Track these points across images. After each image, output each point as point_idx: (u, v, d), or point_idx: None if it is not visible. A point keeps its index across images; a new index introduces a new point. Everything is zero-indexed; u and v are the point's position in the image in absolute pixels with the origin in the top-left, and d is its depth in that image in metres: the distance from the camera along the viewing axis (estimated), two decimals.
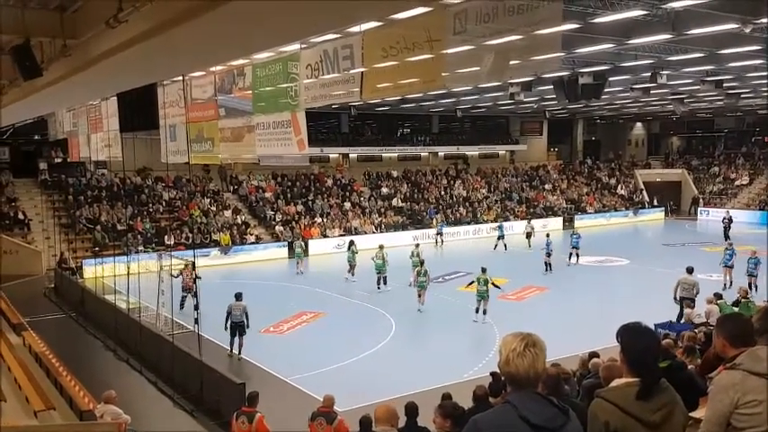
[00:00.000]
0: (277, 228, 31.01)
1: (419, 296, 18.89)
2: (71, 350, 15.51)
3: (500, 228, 30.92)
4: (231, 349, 14.84)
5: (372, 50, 8.27)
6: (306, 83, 10.49)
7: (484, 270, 17.78)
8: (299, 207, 33.26)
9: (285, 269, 27.16)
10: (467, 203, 38.06)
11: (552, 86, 21.46)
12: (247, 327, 14.78)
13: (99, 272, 21.82)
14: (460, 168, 42.12)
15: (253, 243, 29.65)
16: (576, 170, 46.52)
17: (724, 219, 33.02)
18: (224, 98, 13.61)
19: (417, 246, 24.12)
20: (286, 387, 12.99)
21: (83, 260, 25.15)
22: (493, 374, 9.50)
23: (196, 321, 14.21)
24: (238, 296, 14.99)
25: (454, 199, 38.31)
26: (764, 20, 13.33)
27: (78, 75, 9.85)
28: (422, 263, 19.89)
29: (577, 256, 25.79)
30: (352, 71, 9.04)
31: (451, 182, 40.25)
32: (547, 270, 24.16)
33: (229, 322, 14.74)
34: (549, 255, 24.41)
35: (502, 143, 45.30)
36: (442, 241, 31.61)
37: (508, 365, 2.52)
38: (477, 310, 17.32)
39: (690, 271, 16.71)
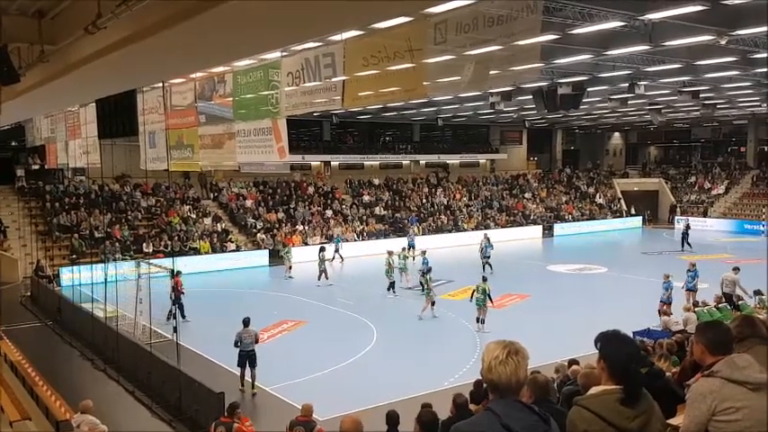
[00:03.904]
0: (258, 235, 30.87)
1: (429, 304, 18.92)
2: (47, 359, 15.28)
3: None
4: (242, 382, 13.17)
5: (354, 59, 8.31)
6: (287, 90, 10.50)
7: (485, 279, 17.98)
8: (281, 214, 33.15)
9: (266, 277, 27.03)
10: (448, 211, 38.23)
11: (532, 96, 21.73)
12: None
13: (76, 279, 21.51)
14: (442, 176, 42.33)
15: (233, 251, 29.47)
16: (555, 179, 46.99)
17: (684, 226, 33.56)
18: (204, 105, 13.54)
19: (404, 249, 24.49)
20: (266, 396, 12.91)
21: (60, 268, 24.80)
22: (476, 382, 9.58)
23: (175, 330, 14.06)
24: (246, 322, 13.38)
25: (435, 207, 38.46)
26: (740, 32, 13.65)
27: (56, 81, 9.77)
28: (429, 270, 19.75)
29: (487, 264, 25.77)
30: (333, 79, 9.08)
31: (433, 190, 40.42)
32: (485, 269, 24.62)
33: (239, 351, 13.16)
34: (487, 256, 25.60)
35: (482, 152, 45.65)
36: (414, 257, 29.32)
37: (491, 373, 2.54)
38: (477, 320, 17.35)
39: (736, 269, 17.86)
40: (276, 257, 28.31)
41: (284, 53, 10.47)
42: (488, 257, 26.00)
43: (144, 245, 27.31)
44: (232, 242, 29.98)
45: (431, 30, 7.05)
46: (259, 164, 13.97)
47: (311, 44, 9.43)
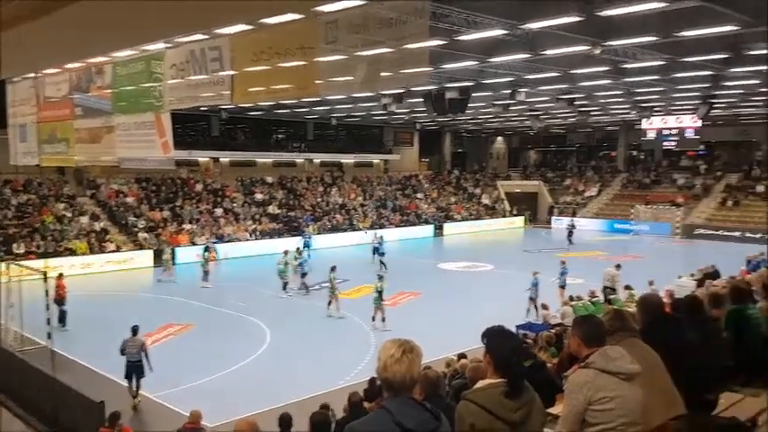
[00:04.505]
0: (140, 235, 29.40)
1: (336, 301, 18.91)
2: None
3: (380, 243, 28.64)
4: (132, 394, 12.32)
5: (242, 54, 8.10)
6: (171, 83, 10.04)
7: (381, 278, 18.19)
8: (166, 213, 31.78)
9: (150, 279, 25.82)
10: (343, 211, 38.33)
11: (422, 99, 22.27)
12: (150, 369, 12.38)
13: None
14: (336, 176, 42.39)
15: (113, 251, 27.89)
16: (445, 180, 48.46)
17: (567, 225, 35.94)
18: (81, 97, 12.72)
19: (298, 249, 24.38)
20: (151, 404, 12.33)
21: None
22: (370, 380, 9.69)
23: (49, 336, 13.09)
24: (135, 330, 12.60)
25: (330, 206, 38.43)
26: (612, 43, 14.69)
27: None
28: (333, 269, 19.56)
29: (381, 262, 26.38)
30: (221, 73, 8.80)
31: (328, 189, 40.37)
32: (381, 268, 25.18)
33: (125, 362, 12.30)
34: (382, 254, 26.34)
35: (376, 152, 46.21)
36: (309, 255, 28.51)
37: (386, 371, 2.59)
38: (373, 318, 17.49)
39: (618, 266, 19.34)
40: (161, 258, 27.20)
41: (168, 45, 10.02)
42: (383, 255, 26.48)
43: (14, 245, 25.26)
44: (111, 242, 28.37)
45: (322, 28, 7.02)
46: (141, 159, 13.28)
47: (197, 36, 9.08)
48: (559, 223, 42.76)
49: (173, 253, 27.15)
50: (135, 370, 12.33)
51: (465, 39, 13.73)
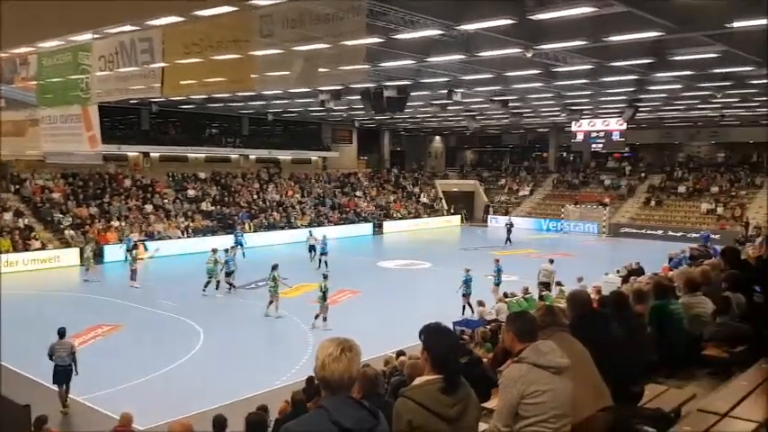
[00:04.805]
0: (67, 232, 28.15)
1: (276, 301, 18.52)
2: None
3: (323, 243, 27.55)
4: (62, 401, 11.70)
5: (174, 46, 7.86)
6: (99, 75, 9.66)
7: (325, 277, 18.02)
8: (93, 209, 30.54)
9: (77, 278, 24.75)
10: (280, 208, 37.84)
11: (360, 97, 22.23)
12: (76, 373, 11.84)
13: None
14: (273, 172, 41.79)
15: (38, 249, 26.59)
16: (384, 178, 48.64)
17: (506, 224, 36.82)
18: (4, 88, 12.13)
19: (233, 248, 23.96)
20: (80, 407, 11.81)
21: None
22: (308, 379, 9.60)
23: None
24: (62, 333, 12.03)
25: (267, 203, 37.87)
26: (543, 46, 15.08)
27: None
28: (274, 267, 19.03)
29: (324, 262, 26.28)
30: (152, 65, 8.51)
31: (264, 186, 39.76)
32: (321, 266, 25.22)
33: (54, 367, 11.69)
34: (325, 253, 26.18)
35: (314, 149, 45.86)
36: (243, 253, 28.07)
37: (324, 370, 2.55)
38: (316, 317, 17.25)
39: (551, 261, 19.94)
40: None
41: (96, 35, 9.63)
42: (326, 254, 26.27)
43: None
44: (36, 240, 27.04)
45: (257, 22, 6.89)
46: (67, 154, 12.74)
47: (127, 27, 8.76)
48: (495, 222, 43.70)
49: (97, 251, 26.23)
50: (64, 374, 11.75)
51: (402, 38, 13.79)
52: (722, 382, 5.06)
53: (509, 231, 35.66)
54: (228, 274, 21.75)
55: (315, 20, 6.48)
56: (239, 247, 27.65)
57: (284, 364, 14.10)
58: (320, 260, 26.26)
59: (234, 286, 21.77)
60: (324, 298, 17.36)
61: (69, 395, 11.86)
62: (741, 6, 11.61)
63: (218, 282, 21.50)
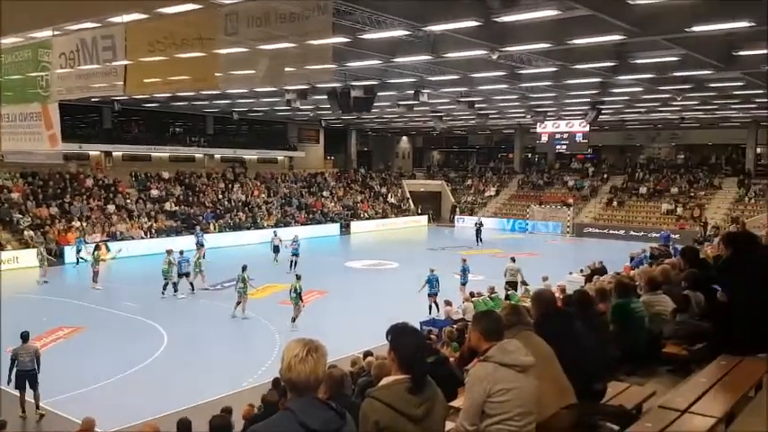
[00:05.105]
0: (26, 233, 27.38)
1: (244, 302, 18.27)
2: None
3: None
4: (23, 407, 11.34)
5: (137, 43, 7.71)
6: (59, 73, 9.42)
7: (298, 277, 17.84)
8: (54, 210, 29.78)
9: (36, 279, 24.11)
10: (246, 208, 37.45)
11: (327, 97, 22.14)
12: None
13: None
14: (239, 172, 41.30)
15: None
16: (351, 178, 48.53)
17: (476, 224, 37.14)
18: None
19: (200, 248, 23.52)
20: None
21: None
22: (274, 381, 9.52)
23: None
24: (25, 336, 11.66)
25: (233, 203, 37.43)
26: (508, 48, 15.23)
27: None
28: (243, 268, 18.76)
29: (294, 262, 26.14)
30: (114, 63, 8.34)
31: (229, 185, 39.28)
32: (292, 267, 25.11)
33: (14, 372, 11.32)
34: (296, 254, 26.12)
35: (280, 149, 45.50)
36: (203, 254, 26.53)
37: (290, 371, 2.53)
38: (293, 319, 17.06)
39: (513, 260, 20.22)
40: (53, 256, 25.89)
41: (57, 32, 9.39)
42: (297, 255, 26.09)
43: None
44: None
45: (221, 19, 6.81)
46: (26, 153, 12.41)
47: (88, 24, 8.56)
48: (462, 222, 43.99)
49: (55, 251, 25.76)
50: (28, 379, 11.43)
51: (369, 37, 13.77)
52: (682, 378, 5.18)
53: (479, 231, 35.92)
54: (185, 276, 21.27)
55: (280, 18, 6.43)
56: (201, 247, 27.25)
57: (250, 366, 13.96)
58: (291, 261, 26.01)
59: (193, 287, 21.42)
60: (299, 298, 17.26)
61: (30, 399, 11.48)
62: (700, 11, 11.93)
63: (176, 284, 21.05)
